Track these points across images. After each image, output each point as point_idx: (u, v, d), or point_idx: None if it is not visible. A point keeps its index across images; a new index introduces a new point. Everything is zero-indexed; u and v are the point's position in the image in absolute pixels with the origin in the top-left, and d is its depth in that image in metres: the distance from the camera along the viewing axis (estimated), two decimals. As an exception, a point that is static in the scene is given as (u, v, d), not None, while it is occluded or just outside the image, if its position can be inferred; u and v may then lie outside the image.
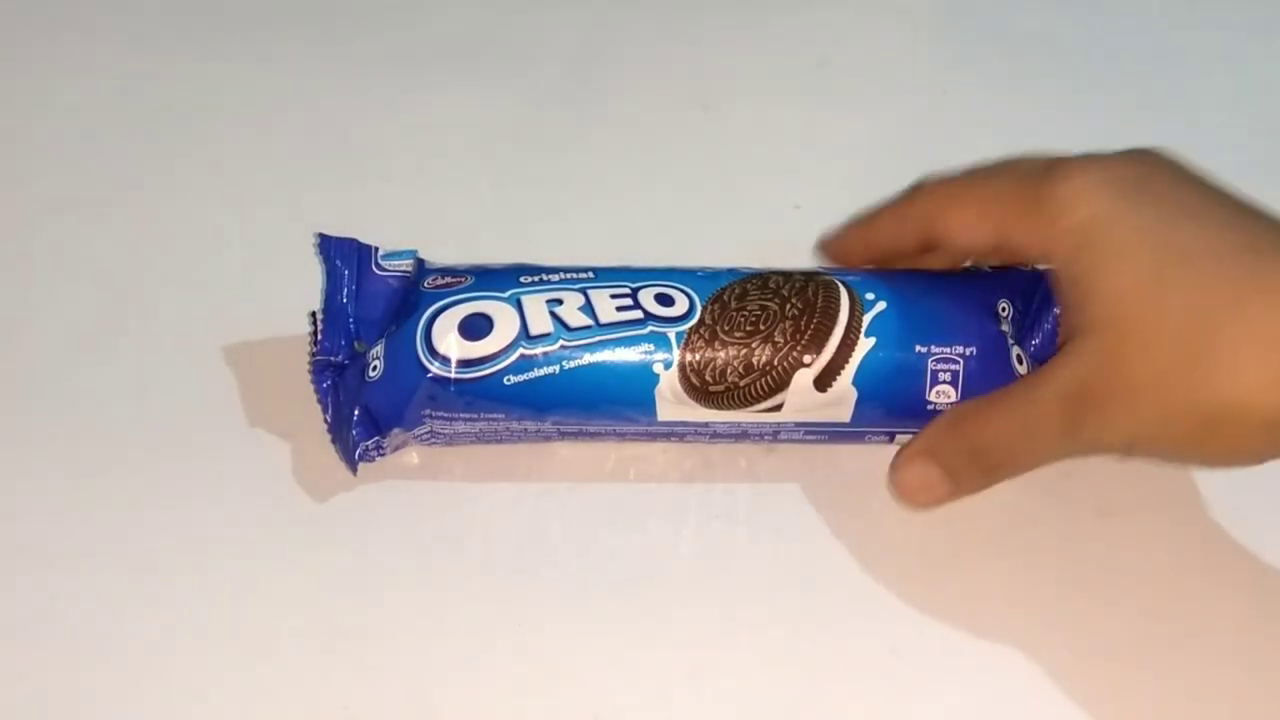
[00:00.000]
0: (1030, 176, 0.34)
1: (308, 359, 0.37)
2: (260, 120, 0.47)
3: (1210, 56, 0.49)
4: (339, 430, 0.36)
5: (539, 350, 0.35)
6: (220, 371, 0.40)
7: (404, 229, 0.43)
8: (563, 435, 0.37)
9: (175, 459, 0.38)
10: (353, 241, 0.37)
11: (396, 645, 0.34)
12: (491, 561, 0.36)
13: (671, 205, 0.45)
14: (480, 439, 0.37)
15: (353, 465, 0.36)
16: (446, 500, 0.37)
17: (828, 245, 0.39)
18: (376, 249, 0.37)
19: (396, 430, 0.36)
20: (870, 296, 0.36)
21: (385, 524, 0.37)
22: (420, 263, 0.38)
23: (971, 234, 0.35)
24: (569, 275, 0.36)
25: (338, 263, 0.37)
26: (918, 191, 0.37)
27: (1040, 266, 0.37)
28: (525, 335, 0.35)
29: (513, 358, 0.35)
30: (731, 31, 0.51)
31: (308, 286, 0.42)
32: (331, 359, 0.36)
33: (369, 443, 0.36)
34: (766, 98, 0.48)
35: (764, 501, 0.37)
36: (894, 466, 0.36)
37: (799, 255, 0.40)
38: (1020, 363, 0.36)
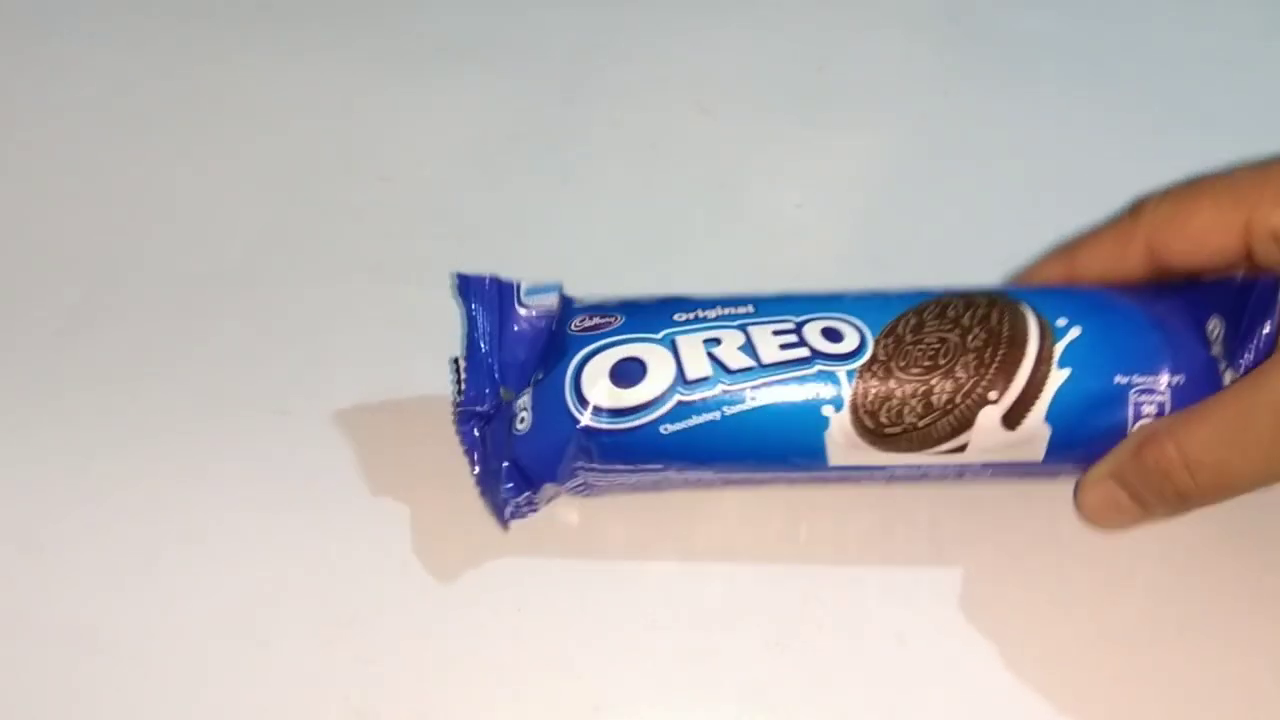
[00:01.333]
0: None
1: (451, 408, 0.35)
2: (259, 119, 0.47)
3: (1210, 56, 0.49)
4: (488, 484, 0.34)
5: (697, 396, 0.32)
6: (221, 358, 0.40)
7: (403, 229, 0.43)
8: (726, 484, 0.34)
9: (179, 443, 0.38)
10: (493, 280, 0.35)
11: (397, 636, 0.34)
12: (491, 549, 0.36)
13: (671, 206, 0.45)
14: (638, 489, 0.35)
15: (504, 522, 0.34)
16: (447, 485, 0.37)
17: (1023, 281, 0.36)
18: (519, 285, 0.35)
19: (549, 485, 0.34)
20: (1062, 322, 0.32)
21: (382, 513, 0.37)
22: (565, 298, 0.35)
23: (1218, 236, 0.31)
24: (726, 311, 0.33)
25: (478, 305, 0.35)
26: (1138, 208, 0.33)
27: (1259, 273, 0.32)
28: (682, 380, 0.32)
29: (669, 405, 0.32)
30: (730, 34, 0.50)
31: (306, 283, 0.42)
32: (477, 408, 0.34)
33: (520, 499, 0.34)
34: (765, 100, 0.48)
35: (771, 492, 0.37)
36: (1080, 486, 0.33)
37: (802, 251, 0.40)
38: None
